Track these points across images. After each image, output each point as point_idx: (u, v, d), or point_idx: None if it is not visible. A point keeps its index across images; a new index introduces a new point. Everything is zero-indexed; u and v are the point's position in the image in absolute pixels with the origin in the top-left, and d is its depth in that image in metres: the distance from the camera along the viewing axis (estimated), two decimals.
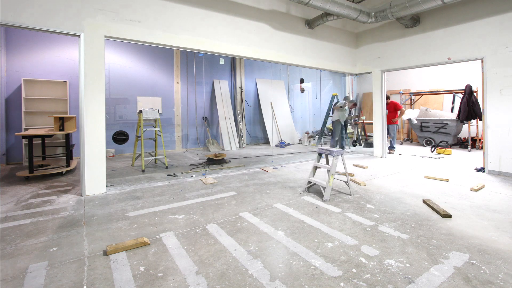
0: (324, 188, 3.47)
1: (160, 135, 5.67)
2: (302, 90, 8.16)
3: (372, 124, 7.22)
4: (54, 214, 2.94)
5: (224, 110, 8.23)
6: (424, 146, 8.26)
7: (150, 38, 4.04)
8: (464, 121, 7.39)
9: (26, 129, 5.55)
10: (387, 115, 6.83)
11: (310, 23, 5.92)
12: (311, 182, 3.72)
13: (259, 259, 2.03)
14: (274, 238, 2.37)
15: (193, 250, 2.17)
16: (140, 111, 5.25)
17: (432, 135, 8.12)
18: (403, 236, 2.39)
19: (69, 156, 4.99)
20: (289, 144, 8.81)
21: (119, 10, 3.80)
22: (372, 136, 7.66)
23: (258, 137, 9.30)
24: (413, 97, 9.45)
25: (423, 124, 8.29)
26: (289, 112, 9.55)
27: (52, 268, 1.92)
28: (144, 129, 5.28)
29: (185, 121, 7.88)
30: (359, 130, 9.16)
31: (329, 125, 10.55)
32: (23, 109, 5.62)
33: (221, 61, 7.53)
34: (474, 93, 7.00)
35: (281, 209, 3.05)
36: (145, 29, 4.00)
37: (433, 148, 7.20)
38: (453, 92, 8.18)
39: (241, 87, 8.74)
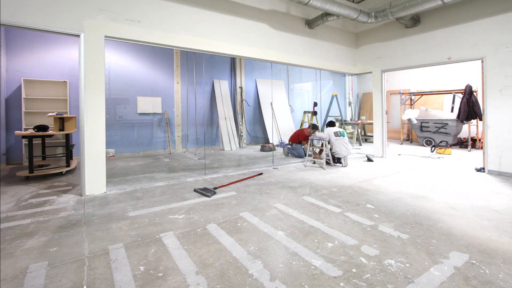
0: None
1: None
2: (315, 113, 8.27)
3: (372, 124, 7.23)
4: (54, 214, 2.94)
5: (224, 110, 8.23)
6: (424, 146, 8.26)
7: (150, 38, 4.04)
8: (464, 121, 7.39)
9: (26, 129, 5.55)
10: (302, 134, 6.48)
11: (310, 23, 5.92)
12: None
13: (259, 259, 2.03)
14: (274, 238, 2.37)
15: (193, 250, 2.17)
16: None
17: (432, 135, 8.13)
18: (403, 236, 2.39)
19: (69, 156, 4.99)
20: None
21: (119, 10, 3.80)
22: (372, 136, 7.67)
23: (258, 137, 9.30)
24: (413, 97, 9.45)
25: (423, 124, 8.29)
26: (289, 112, 9.54)
27: (52, 268, 1.92)
28: None
29: (185, 121, 7.88)
30: (359, 130, 9.16)
31: None
32: (23, 109, 5.62)
33: None
34: (474, 93, 7.00)
35: (281, 209, 3.05)
36: (145, 29, 3.99)
37: (433, 148, 7.20)
38: (453, 92, 8.18)
39: (241, 87, 8.74)
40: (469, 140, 7.52)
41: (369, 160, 6.01)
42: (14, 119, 5.71)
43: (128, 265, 1.95)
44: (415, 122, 8.39)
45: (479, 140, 7.73)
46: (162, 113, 7.49)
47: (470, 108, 6.80)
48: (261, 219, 2.77)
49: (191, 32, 4.42)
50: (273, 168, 5.28)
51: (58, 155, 5.66)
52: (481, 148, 7.09)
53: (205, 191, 3.61)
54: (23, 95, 5.63)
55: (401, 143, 9.12)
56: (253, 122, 9.18)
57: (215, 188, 3.79)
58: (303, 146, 6.51)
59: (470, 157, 6.41)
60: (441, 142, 7.79)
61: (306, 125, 8.37)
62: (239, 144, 8.44)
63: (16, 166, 5.57)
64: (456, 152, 7.21)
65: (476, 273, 1.84)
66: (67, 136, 4.87)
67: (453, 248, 2.18)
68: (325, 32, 6.34)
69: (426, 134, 8.27)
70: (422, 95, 9.21)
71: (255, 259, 2.03)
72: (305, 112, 8.10)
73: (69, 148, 4.99)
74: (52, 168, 4.75)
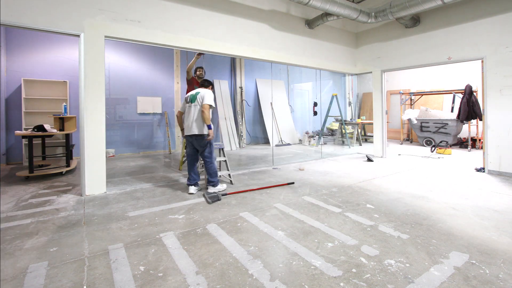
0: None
1: None
2: (315, 113, 8.18)
3: (372, 124, 7.22)
4: (54, 214, 2.94)
5: (224, 110, 8.23)
6: (424, 146, 8.26)
7: (150, 38, 4.04)
8: (464, 121, 7.39)
9: (26, 129, 5.55)
10: None
11: (310, 23, 5.92)
12: None
13: (259, 259, 2.03)
14: (274, 238, 2.37)
15: (193, 250, 2.17)
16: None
17: (432, 135, 8.12)
18: (403, 236, 2.39)
19: (69, 156, 4.99)
20: (288, 144, 8.81)
21: (119, 10, 3.79)
22: (372, 136, 7.66)
23: (258, 137, 9.30)
24: (413, 97, 9.45)
25: (423, 124, 8.29)
26: (289, 112, 9.55)
27: (52, 268, 1.92)
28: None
29: None
30: (359, 130, 9.17)
31: (328, 125, 10.55)
32: (23, 109, 5.62)
33: None
34: (474, 93, 7.00)
35: (281, 209, 3.05)
36: (145, 29, 3.99)
37: (433, 148, 7.20)
38: (453, 92, 8.18)
39: (241, 87, 8.74)
40: (469, 140, 7.51)
41: (369, 160, 6.01)
42: (14, 119, 5.71)
43: (128, 265, 1.95)
44: (415, 122, 8.39)
45: (479, 140, 7.73)
46: (162, 113, 7.49)
47: (470, 108, 6.80)
48: (261, 219, 2.77)
49: (191, 32, 4.42)
50: (273, 168, 5.28)
51: (58, 155, 5.66)
52: (481, 148, 7.08)
53: (210, 198, 3.33)
54: (23, 95, 5.63)
55: (401, 143, 9.12)
56: (253, 122, 9.18)
57: (224, 195, 3.53)
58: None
59: (470, 157, 6.40)
60: (441, 142, 7.79)
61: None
62: (239, 144, 8.45)
63: (16, 166, 5.57)
64: (456, 152, 7.21)
65: (476, 273, 1.84)
66: (67, 136, 4.87)
67: (453, 248, 2.18)
68: (325, 32, 6.34)
69: (426, 134, 8.27)
70: (422, 95, 9.20)
71: (255, 259, 2.03)
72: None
73: (69, 148, 4.99)
74: (52, 168, 4.75)
